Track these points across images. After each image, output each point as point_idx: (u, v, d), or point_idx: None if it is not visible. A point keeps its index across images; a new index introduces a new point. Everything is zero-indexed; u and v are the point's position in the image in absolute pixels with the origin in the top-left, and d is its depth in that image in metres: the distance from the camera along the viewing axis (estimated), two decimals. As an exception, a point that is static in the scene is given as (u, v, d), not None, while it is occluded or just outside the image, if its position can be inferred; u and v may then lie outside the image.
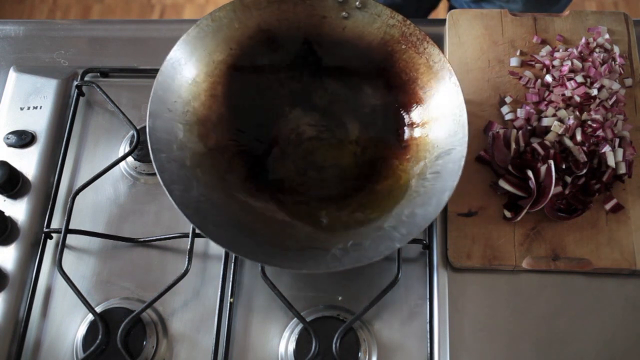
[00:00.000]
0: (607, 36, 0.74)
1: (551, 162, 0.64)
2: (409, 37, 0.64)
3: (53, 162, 0.72)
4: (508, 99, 0.71)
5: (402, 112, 0.67)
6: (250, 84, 0.68)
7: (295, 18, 0.66)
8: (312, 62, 0.69)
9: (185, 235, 0.66)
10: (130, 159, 0.72)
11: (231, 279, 0.65)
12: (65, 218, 0.67)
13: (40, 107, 0.75)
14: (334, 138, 0.70)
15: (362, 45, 0.67)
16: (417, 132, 0.65)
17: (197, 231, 0.65)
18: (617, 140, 0.67)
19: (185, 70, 0.63)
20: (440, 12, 1.26)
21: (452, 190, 0.56)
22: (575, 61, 0.71)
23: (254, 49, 0.67)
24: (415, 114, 0.66)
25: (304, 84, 0.70)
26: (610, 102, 0.69)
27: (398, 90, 0.67)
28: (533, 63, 0.74)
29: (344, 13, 0.66)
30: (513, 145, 0.67)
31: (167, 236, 0.68)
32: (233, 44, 0.66)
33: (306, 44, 0.68)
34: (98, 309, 0.65)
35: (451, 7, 1.13)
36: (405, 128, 0.66)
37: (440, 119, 0.63)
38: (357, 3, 0.65)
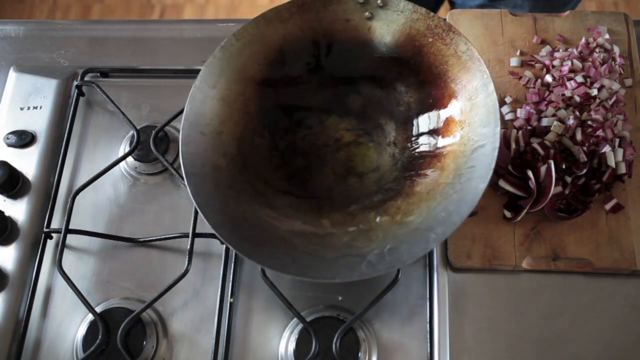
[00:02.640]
0: (607, 36, 0.74)
1: (551, 162, 0.64)
2: (435, 29, 0.63)
3: (53, 162, 0.72)
4: (508, 99, 0.71)
5: (436, 107, 0.66)
6: (282, 97, 0.68)
7: (319, 25, 0.66)
8: (341, 67, 0.69)
9: (185, 235, 0.66)
10: (130, 159, 0.72)
11: (231, 279, 0.65)
12: (65, 218, 0.67)
13: (40, 107, 0.75)
14: (372, 141, 0.69)
15: (390, 44, 0.66)
16: (452, 127, 0.64)
17: (198, 231, 0.66)
18: (617, 140, 0.67)
19: (215, 92, 0.63)
20: (440, 12, 1.26)
21: (487, 181, 0.55)
22: (575, 61, 0.71)
23: (282, 62, 0.67)
24: (450, 108, 0.65)
25: (337, 90, 0.70)
26: (610, 102, 0.69)
27: (430, 85, 0.66)
28: (533, 63, 0.74)
29: (367, 13, 0.65)
30: (513, 145, 0.67)
31: (167, 236, 0.68)
32: (260, 60, 0.65)
33: (334, 49, 0.68)
34: (98, 309, 0.65)
35: (452, 8, 1.13)
36: (441, 124, 0.65)
37: (473, 111, 0.61)
38: (379, 2, 0.64)
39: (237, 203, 0.60)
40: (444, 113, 0.65)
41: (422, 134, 0.67)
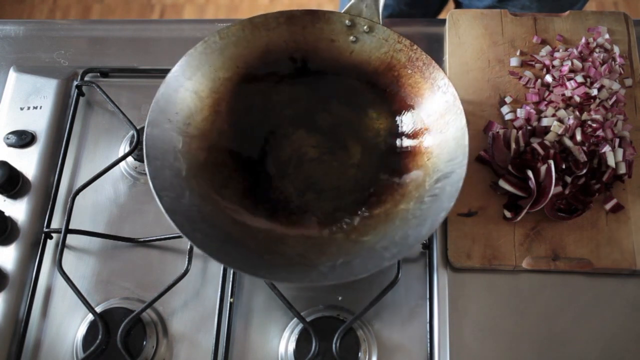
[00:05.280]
0: (607, 36, 0.74)
1: (551, 162, 0.64)
2: (416, 62, 0.64)
3: (53, 162, 0.72)
4: (508, 99, 0.71)
5: (405, 136, 0.67)
6: (254, 103, 0.68)
7: (303, 40, 0.66)
8: (318, 85, 0.69)
9: (185, 235, 0.66)
10: (130, 159, 0.72)
11: (231, 279, 0.65)
12: (65, 218, 0.67)
13: (40, 107, 0.75)
14: (335, 160, 0.69)
15: (369, 70, 0.67)
16: (419, 157, 0.65)
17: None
18: (617, 140, 0.67)
19: (190, 84, 0.63)
20: (443, 13, 1.25)
21: (448, 212, 0.55)
22: (575, 61, 0.71)
23: (260, 69, 0.67)
24: (418, 139, 0.65)
25: (309, 106, 0.70)
26: (610, 102, 0.69)
27: (402, 115, 0.67)
28: (533, 63, 0.74)
29: (352, 37, 0.66)
30: (513, 145, 0.67)
31: (167, 236, 0.68)
32: (240, 63, 0.66)
33: (313, 67, 0.68)
34: (98, 309, 0.65)
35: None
36: (408, 152, 0.66)
37: (442, 144, 0.62)
38: (365, 27, 0.65)
39: (194, 195, 0.60)
40: (412, 143, 0.66)
41: (388, 161, 0.67)
